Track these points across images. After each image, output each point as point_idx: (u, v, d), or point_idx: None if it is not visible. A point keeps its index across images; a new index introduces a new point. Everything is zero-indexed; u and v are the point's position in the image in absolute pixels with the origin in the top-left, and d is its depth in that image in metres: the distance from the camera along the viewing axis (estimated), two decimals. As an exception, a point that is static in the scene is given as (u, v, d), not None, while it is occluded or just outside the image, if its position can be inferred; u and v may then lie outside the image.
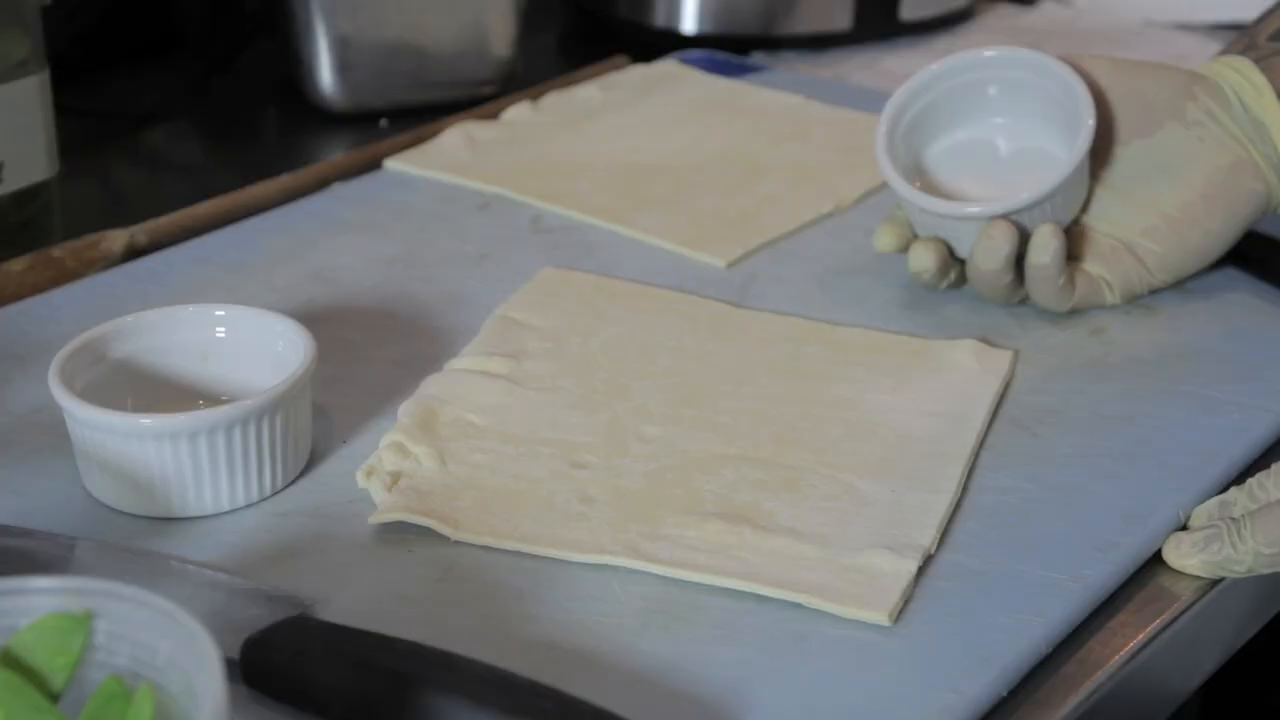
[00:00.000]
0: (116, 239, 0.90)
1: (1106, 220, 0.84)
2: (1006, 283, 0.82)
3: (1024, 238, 0.81)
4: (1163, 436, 0.74)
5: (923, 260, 0.83)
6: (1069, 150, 0.81)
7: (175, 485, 0.66)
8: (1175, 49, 1.26)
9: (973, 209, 0.81)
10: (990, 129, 0.86)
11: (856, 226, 0.93)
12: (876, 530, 0.66)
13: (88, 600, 0.49)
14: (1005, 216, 0.81)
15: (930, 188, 0.85)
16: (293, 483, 0.70)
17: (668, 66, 1.15)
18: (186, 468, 0.66)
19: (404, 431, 0.71)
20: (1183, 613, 0.66)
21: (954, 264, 0.84)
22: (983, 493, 0.70)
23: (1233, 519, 0.67)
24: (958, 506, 0.69)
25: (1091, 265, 0.83)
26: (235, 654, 0.58)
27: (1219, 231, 0.84)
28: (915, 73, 0.86)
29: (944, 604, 0.63)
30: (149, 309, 0.73)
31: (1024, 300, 0.84)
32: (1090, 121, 0.81)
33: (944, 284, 0.84)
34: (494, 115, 1.06)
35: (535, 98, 1.09)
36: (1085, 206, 0.84)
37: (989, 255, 0.81)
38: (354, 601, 0.62)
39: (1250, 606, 0.70)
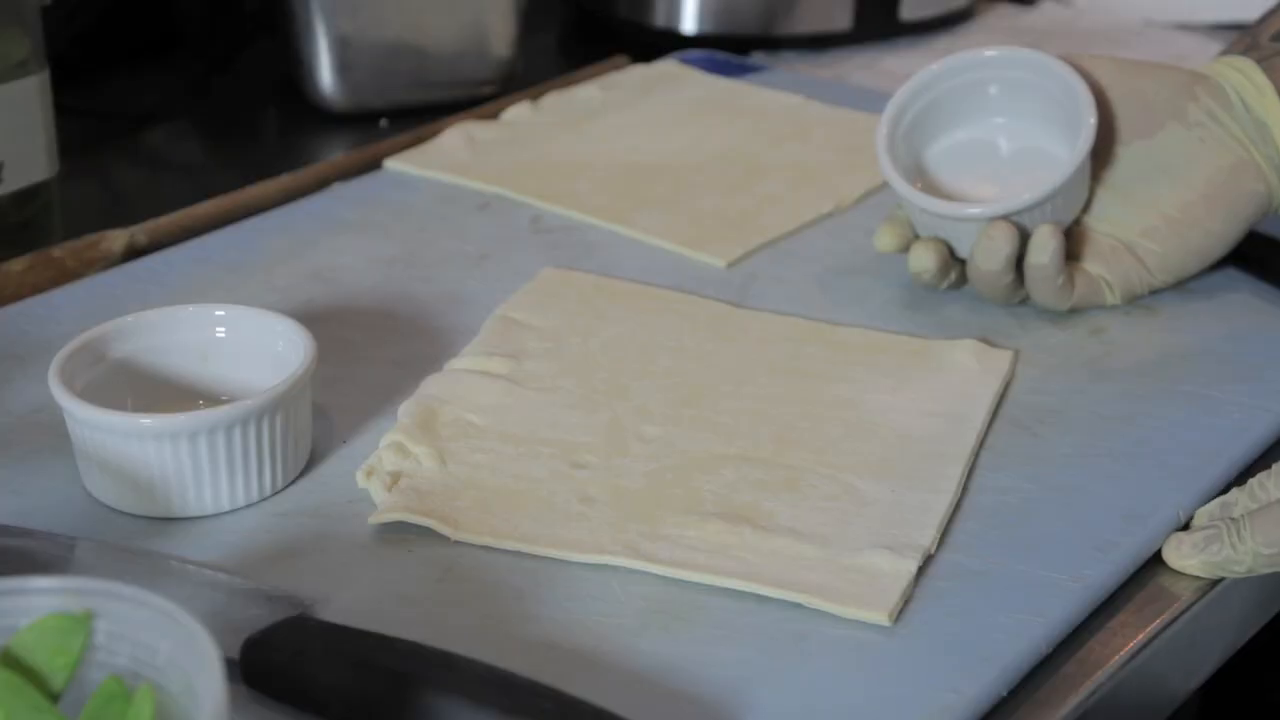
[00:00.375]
0: (116, 239, 0.90)
1: (1107, 220, 0.84)
2: (1007, 283, 0.82)
3: (1024, 238, 0.81)
4: (1163, 436, 0.74)
5: (923, 260, 0.83)
6: (1069, 150, 0.81)
7: (175, 485, 0.66)
8: (1175, 49, 1.26)
9: (973, 210, 0.81)
10: (991, 129, 0.86)
11: (856, 226, 0.93)
12: (876, 530, 0.66)
13: (88, 600, 0.48)
14: (1006, 217, 0.81)
15: (931, 188, 0.85)
16: (293, 483, 0.70)
17: (668, 66, 1.15)
18: (186, 468, 0.66)
19: (404, 431, 0.71)
20: (1183, 613, 0.66)
21: (954, 264, 0.84)
22: (983, 493, 0.70)
23: (1232, 519, 0.67)
24: (958, 506, 0.69)
25: (1091, 265, 0.83)
26: (235, 654, 0.58)
27: (1220, 232, 0.83)
28: (915, 73, 0.86)
29: (944, 604, 0.63)
30: (149, 309, 0.73)
31: (1024, 300, 0.84)
32: (1091, 121, 0.81)
33: (944, 284, 0.84)
34: (494, 115, 1.06)
35: (535, 98, 1.09)
36: (1086, 207, 0.84)
37: (989, 256, 0.81)
38: (354, 601, 0.62)
39: (1250, 606, 0.70)
